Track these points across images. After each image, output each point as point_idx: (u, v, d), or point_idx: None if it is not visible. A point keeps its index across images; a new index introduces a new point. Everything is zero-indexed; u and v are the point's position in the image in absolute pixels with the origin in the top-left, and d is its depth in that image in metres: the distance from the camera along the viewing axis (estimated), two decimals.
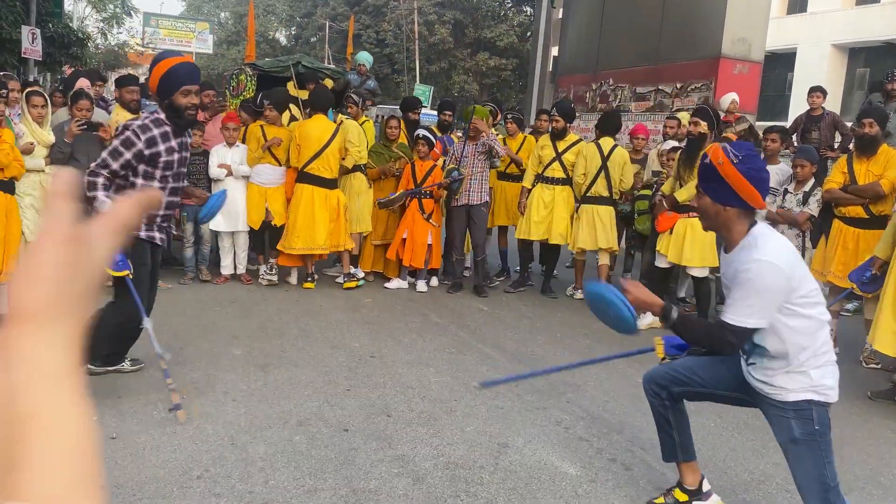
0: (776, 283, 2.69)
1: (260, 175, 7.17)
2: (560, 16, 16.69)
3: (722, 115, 9.17)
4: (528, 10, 41.66)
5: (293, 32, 52.48)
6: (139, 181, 4.22)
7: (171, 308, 6.25)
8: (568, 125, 7.50)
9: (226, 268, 7.26)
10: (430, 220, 7.38)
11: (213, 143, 7.29)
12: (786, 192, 6.42)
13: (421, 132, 7.51)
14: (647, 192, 7.34)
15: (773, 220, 6.46)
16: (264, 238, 7.48)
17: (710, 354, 3.19)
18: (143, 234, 4.32)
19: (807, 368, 2.77)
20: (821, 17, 28.30)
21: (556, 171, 7.51)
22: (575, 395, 4.82)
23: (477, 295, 7.38)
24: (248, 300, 6.67)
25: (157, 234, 4.41)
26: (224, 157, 7.09)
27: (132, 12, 32.97)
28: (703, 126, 6.20)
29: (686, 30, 11.51)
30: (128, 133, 4.14)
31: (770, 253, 2.72)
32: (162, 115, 4.27)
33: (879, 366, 5.82)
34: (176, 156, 4.32)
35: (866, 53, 27.25)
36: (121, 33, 34.14)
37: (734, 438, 4.26)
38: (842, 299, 6.63)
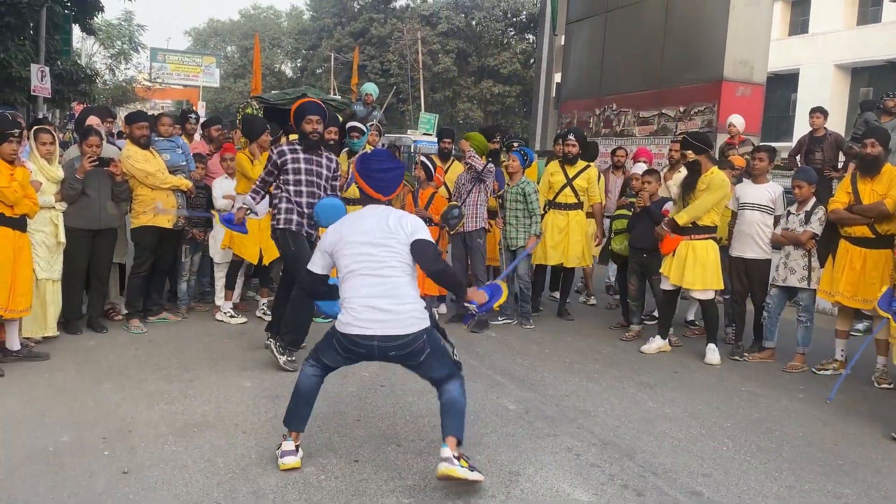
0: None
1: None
2: (562, 42, 16.83)
3: (726, 137, 9.22)
4: (531, 37, 42.01)
5: (299, 65, 53.03)
6: (285, 187, 5.62)
7: (179, 340, 6.28)
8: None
9: (220, 298, 7.25)
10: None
11: (216, 174, 7.36)
12: (789, 213, 6.45)
13: (421, 159, 7.60)
14: (626, 211, 7.38)
15: (778, 242, 6.48)
16: (268, 271, 7.41)
17: None
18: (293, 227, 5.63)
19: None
20: (822, 37, 28.46)
21: (568, 197, 7.59)
22: (586, 421, 4.80)
23: (476, 331, 7.12)
24: (257, 332, 6.68)
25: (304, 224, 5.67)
26: (228, 188, 7.09)
27: (139, 48, 33.38)
28: (690, 154, 6.37)
29: (688, 54, 11.58)
30: (271, 155, 5.68)
31: None
32: (296, 143, 5.75)
33: (892, 386, 5.78)
34: (303, 166, 5.63)
35: (869, 73, 27.37)
36: (128, 69, 34.53)
37: (747, 462, 4.23)
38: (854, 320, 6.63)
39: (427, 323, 3.77)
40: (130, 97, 33.47)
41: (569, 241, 7.57)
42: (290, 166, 5.60)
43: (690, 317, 7.68)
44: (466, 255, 7.29)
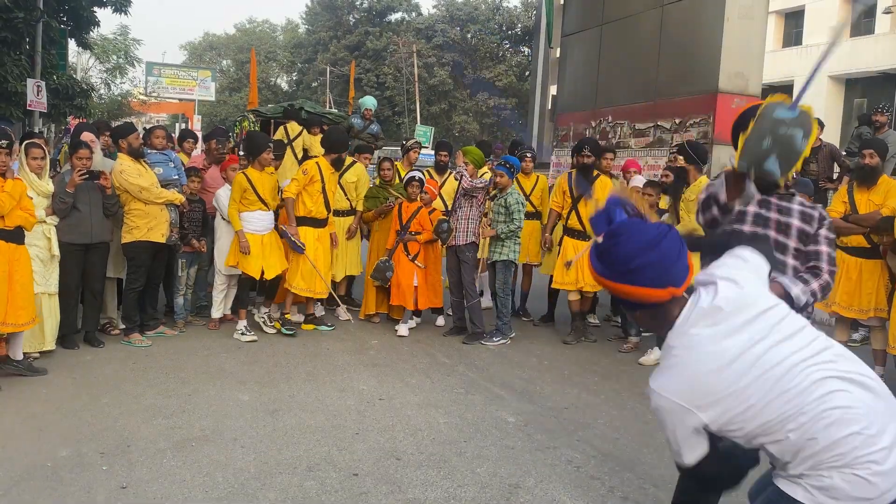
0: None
1: (251, 223, 6.85)
2: (558, 55, 16.91)
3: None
4: (526, 50, 42.22)
5: (294, 78, 53.18)
6: None
7: (177, 354, 6.26)
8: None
9: (217, 312, 7.24)
10: (416, 262, 7.39)
11: (213, 187, 7.35)
12: None
13: (416, 174, 7.60)
14: None
15: None
16: (266, 285, 7.39)
17: None
18: None
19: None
20: (816, 49, 28.57)
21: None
22: (585, 433, 4.79)
23: (467, 343, 7.08)
24: (255, 345, 6.67)
25: None
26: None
27: (135, 62, 33.39)
28: (681, 160, 6.52)
29: (683, 66, 11.63)
30: None
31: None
32: None
33: None
34: None
35: (863, 84, 27.52)
36: (124, 83, 34.55)
37: None
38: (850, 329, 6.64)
39: None
40: (126, 111, 33.51)
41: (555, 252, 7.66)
42: None
43: None
44: (459, 268, 7.29)
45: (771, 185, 3.20)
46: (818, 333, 2.07)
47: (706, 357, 1.99)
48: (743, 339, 1.99)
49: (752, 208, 3.26)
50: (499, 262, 7.17)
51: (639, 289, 2.05)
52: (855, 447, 1.87)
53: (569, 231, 7.33)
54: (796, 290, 3.07)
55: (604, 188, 7.01)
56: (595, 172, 7.25)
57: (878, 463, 1.86)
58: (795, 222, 3.21)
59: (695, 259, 2.18)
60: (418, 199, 7.49)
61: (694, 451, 2.08)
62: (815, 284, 3.11)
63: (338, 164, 7.27)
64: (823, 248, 3.19)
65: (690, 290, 2.12)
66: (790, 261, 3.21)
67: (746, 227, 3.26)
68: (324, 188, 7.07)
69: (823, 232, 3.21)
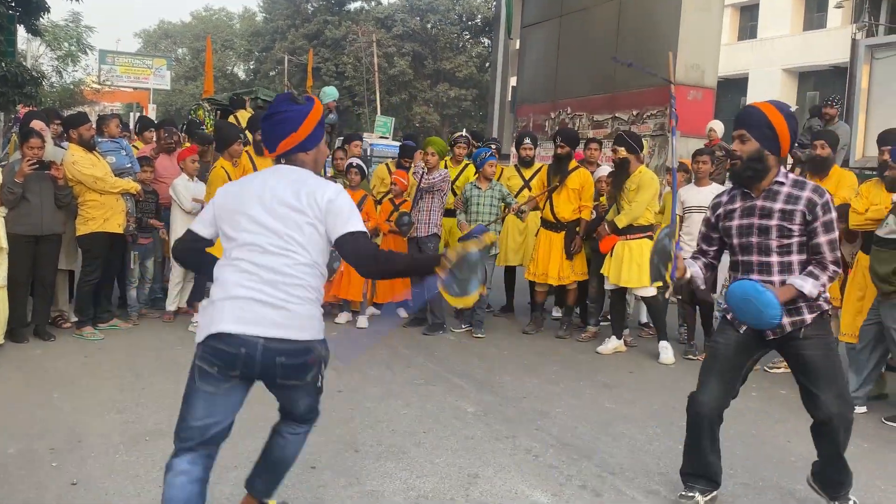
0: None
1: None
2: (517, 46, 16.93)
3: (704, 142, 9.39)
4: (486, 41, 42.21)
5: (252, 67, 52.48)
6: None
7: (130, 348, 6.14)
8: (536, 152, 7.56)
9: (172, 304, 7.12)
10: None
11: (165, 178, 7.22)
12: None
13: (354, 161, 7.56)
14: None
15: None
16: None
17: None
18: None
19: None
20: (770, 42, 29.12)
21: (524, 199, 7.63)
22: (544, 422, 4.81)
23: (427, 333, 7.12)
24: None
25: None
26: (197, 191, 6.83)
27: (88, 50, 32.65)
28: (622, 151, 6.56)
29: (640, 58, 11.72)
30: None
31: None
32: None
33: None
34: None
35: (815, 77, 28.06)
36: (76, 71, 33.77)
37: None
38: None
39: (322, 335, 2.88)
40: (78, 100, 32.74)
41: (528, 243, 7.63)
42: None
43: (644, 319, 7.75)
44: None
45: (755, 179, 3.40)
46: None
47: None
48: None
49: (738, 205, 3.48)
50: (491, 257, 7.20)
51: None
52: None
53: (544, 222, 7.32)
54: (808, 286, 3.29)
55: (581, 180, 7.06)
56: (573, 164, 7.25)
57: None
58: (775, 222, 3.35)
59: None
60: (392, 190, 7.49)
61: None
62: (824, 278, 3.32)
63: (261, 150, 7.11)
64: (822, 240, 3.31)
65: None
66: (775, 259, 3.36)
67: (734, 224, 3.48)
68: None
69: (819, 221, 3.31)
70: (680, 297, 7.08)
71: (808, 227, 3.32)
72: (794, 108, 3.51)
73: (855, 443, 4.68)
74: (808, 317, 3.36)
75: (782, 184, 3.39)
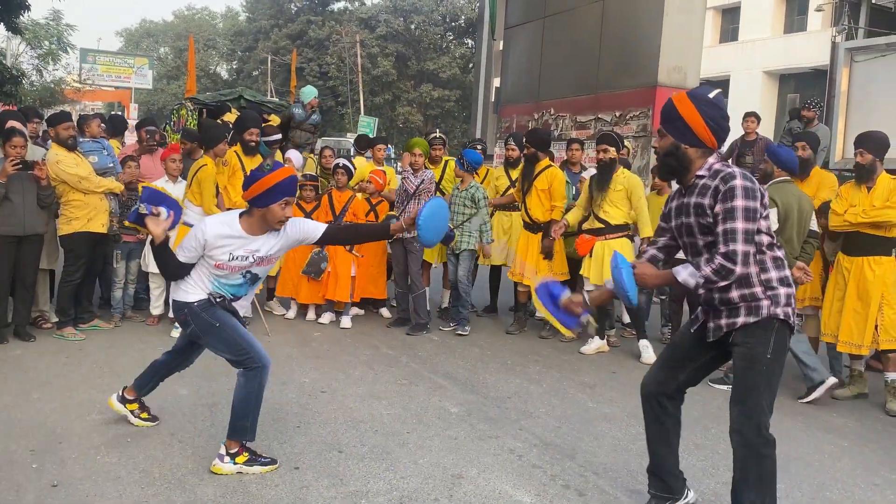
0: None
1: (189, 217, 6.51)
2: (501, 47, 16.95)
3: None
4: (470, 41, 42.26)
5: (235, 66, 52.27)
6: None
7: (112, 349, 6.09)
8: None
9: (157, 308, 7.07)
10: (353, 252, 7.32)
11: (148, 177, 7.15)
12: None
13: (341, 161, 7.55)
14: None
15: None
16: None
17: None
18: None
19: None
20: (751, 45, 29.36)
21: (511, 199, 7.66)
22: (527, 422, 4.82)
23: (410, 333, 7.09)
24: None
25: None
26: (176, 193, 6.82)
27: (69, 49, 32.33)
28: (612, 152, 6.54)
29: (623, 60, 11.79)
30: None
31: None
32: None
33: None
34: None
35: (796, 79, 28.32)
36: (57, 70, 33.41)
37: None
38: None
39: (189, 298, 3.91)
40: (59, 99, 32.43)
41: (512, 241, 7.62)
42: None
43: (627, 319, 7.79)
44: (405, 258, 7.24)
45: (676, 174, 3.25)
46: None
47: None
48: None
49: (674, 204, 3.35)
50: (464, 252, 7.17)
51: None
52: None
53: (524, 223, 7.32)
54: (683, 274, 3.11)
55: (549, 179, 7.05)
56: (546, 163, 7.23)
57: None
58: (693, 219, 3.17)
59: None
60: (365, 188, 7.47)
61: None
62: (706, 269, 3.04)
63: (250, 150, 7.10)
64: (718, 229, 3.04)
65: None
66: (705, 258, 3.12)
67: (673, 224, 3.34)
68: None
69: (719, 208, 3.04)
70: (663, 297, 7.12)
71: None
72: (714, 92, 3.16)
73: (834, 442, 4.75)
74: (742, 320, 3.13)
75: (702, 177, 3.15)
